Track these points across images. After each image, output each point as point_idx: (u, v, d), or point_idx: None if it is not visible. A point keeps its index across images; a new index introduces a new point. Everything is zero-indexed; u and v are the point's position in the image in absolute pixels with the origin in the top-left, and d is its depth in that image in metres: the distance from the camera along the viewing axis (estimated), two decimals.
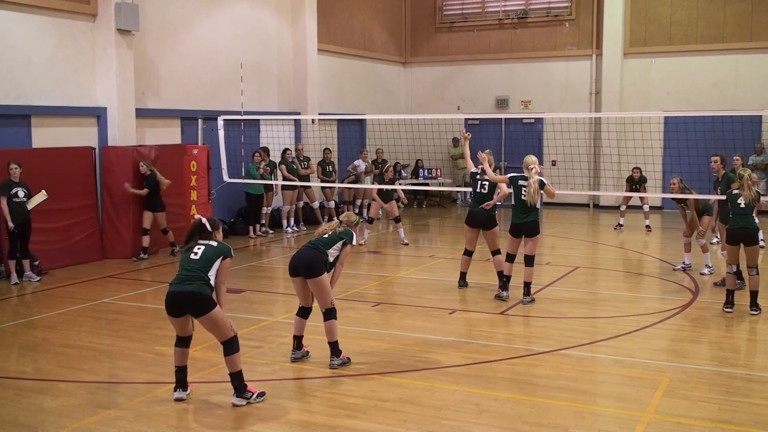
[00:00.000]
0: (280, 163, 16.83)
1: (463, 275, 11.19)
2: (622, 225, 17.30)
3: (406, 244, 15.23)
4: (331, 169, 18.09)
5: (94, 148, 13.75)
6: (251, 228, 16.33)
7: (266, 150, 16.53)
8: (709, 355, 8.18)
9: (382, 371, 7.39)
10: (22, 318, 9.72)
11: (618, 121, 19.70)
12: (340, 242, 7.57)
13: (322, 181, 17.72)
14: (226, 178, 14.57)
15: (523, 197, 10.04)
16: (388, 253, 14.66)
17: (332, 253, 7.52)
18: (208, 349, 7.91)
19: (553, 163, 19.86)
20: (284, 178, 16.64)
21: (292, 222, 17.23)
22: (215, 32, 16.54)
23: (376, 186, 15.59)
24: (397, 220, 15.52)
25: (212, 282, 6.47)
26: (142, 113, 14.55)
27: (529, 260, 10.17)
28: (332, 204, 18.19)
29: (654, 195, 17.82)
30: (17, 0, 12.42)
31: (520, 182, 10.12)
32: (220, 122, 14.39)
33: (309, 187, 17.32)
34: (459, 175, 22.47)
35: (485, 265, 11.84)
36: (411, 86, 24.23)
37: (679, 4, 20.80)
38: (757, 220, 9.70)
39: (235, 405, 6.46)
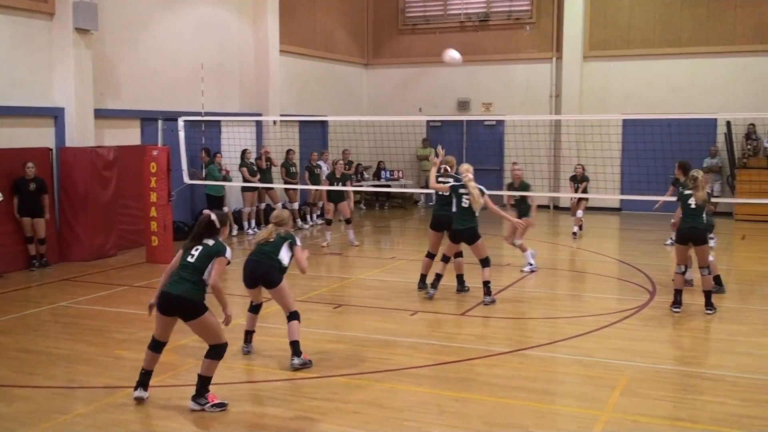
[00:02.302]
0: (240, 165, 16.74)
1: (423, 277, 11.24)
2: (576, 233, 16.53)
3: (356, 246, 15.23)
4: (294, 170, 18.01)
5: (52, 149, 13.53)
6: None
7: (207, 150, 16.38)
8: (666, 354, 8.31)
9: (344, 373, 7.39)
10: None
11: (577, 124, 19.92)
12: (286, 243, 7.61)
13: (286, 182, 17.64)
14: (186, 179, 14.45)
15: (464, 205, 10.19)
16: (350, 255, 14.65)
17: (283, 256, 7.56)
18: (170, 353, 7.83)
19: (514, 164, 19.99)
20: (245, 180, 16.55)
21: (253, 224, 17.15)
22: (176, 32, 16.39)
23: (327, 187, 15.50)
24: (348, 221, 15.52)
25: (206, 283, 6.43)
26: (100, 114, 14.36)
27: (484, 262, 10.34)
28: (296, 206, 18.13)
29: (612, 197, 18.02)
30: None
31: (461, 191, 10.27)
32: (181, 123, 14.27)
33: (271, 188, 17.25)
34: (424, 176, 22.54)
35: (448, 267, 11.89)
36: (373, 88, 24.26)
37: (637, 8, 21.12)
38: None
39: (192, 409, 6.40)
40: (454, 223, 10.37)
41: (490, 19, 22.71)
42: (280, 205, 17.78)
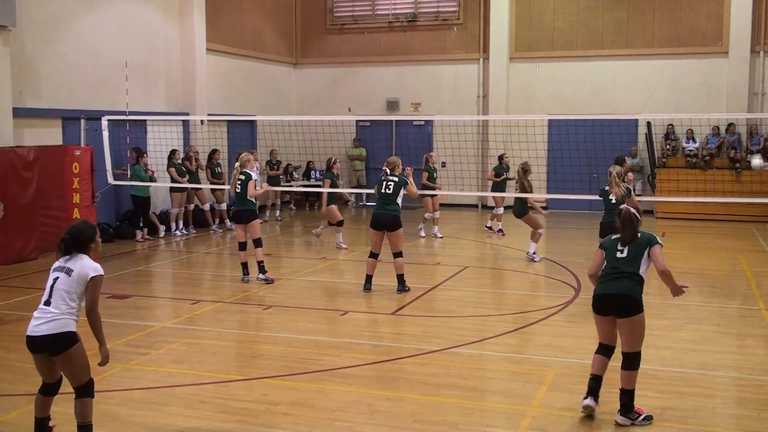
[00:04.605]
0: (168, 166, 16.47)
1: (368, 278, 11.09)
2: (502, 230, 16.78)
3: (318, 235, 15.63)
4: (219, 170, 17.79)
5: None
6: (138, 231, 15.91)
7: (138, 150, 16.06)
8: (591, 350, 8.45)
9: (274, 374, 7.35)
10: None
11: (504, 124, 20.23)
12: None
13: (211, 183, 17.41)
14: (110, 180, 14.13)
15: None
16: (281, 255, 14.56)
17: None
18: (96, 358, 7.65)
19: (443, 164, 20.21)
20: (173, 180, 16.29)
21: (180, 225, 16.89)
22: (99, 29, 16.00)
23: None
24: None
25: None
26: (19, 113, 13.91)
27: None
28: (224, 206, 17.92)
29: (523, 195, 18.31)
30: None
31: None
32: (104, 122, 13.95)
33: (200, 189, 17.03)
34: (355, 176, 22.60)
35: (378, 266, 11.92)
36: (302, 87, 24.15)
37: (561, 11, 21.59)
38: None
39: (620, 424, 6.15)
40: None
41: (418, 19, 22.88)
42: (208, 205, 17.59)
